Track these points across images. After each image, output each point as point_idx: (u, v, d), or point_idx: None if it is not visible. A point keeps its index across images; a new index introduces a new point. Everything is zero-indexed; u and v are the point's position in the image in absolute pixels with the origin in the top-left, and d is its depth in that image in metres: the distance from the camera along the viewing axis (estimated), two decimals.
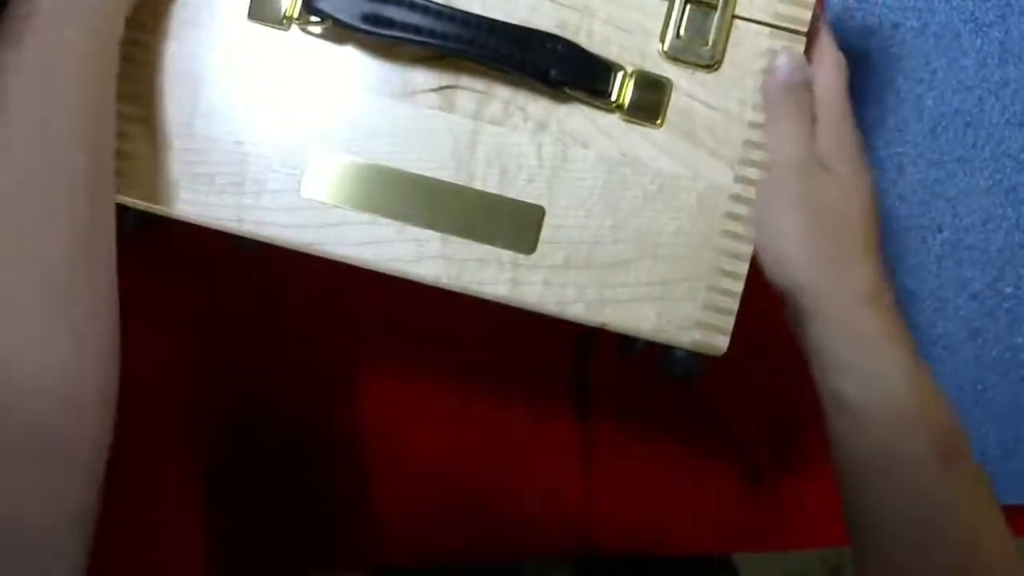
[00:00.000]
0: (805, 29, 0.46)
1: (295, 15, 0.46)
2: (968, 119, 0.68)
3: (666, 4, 0.46)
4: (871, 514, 0.44)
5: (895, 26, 0.67)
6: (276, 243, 0.47)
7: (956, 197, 0.68)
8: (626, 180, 0.47)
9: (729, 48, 0.46)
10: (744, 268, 0.46)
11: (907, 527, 0.42)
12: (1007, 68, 0.68)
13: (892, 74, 0.67)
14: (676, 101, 0.46)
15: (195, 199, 0.47)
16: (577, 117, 0.47)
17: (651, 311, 0.47)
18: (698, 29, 0.46)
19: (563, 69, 0.45)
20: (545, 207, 0.47)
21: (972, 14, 0.67)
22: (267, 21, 0.47)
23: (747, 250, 0.46)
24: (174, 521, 0.65)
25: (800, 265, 0.43)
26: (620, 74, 0.46)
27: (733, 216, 0.46)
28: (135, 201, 0.47)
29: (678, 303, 0.47)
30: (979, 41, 0.67)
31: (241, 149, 0.47)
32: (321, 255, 0.47)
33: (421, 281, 0.47)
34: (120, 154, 0.46)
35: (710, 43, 0.46)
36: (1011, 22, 0.67)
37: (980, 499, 0.43)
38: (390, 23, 0.44)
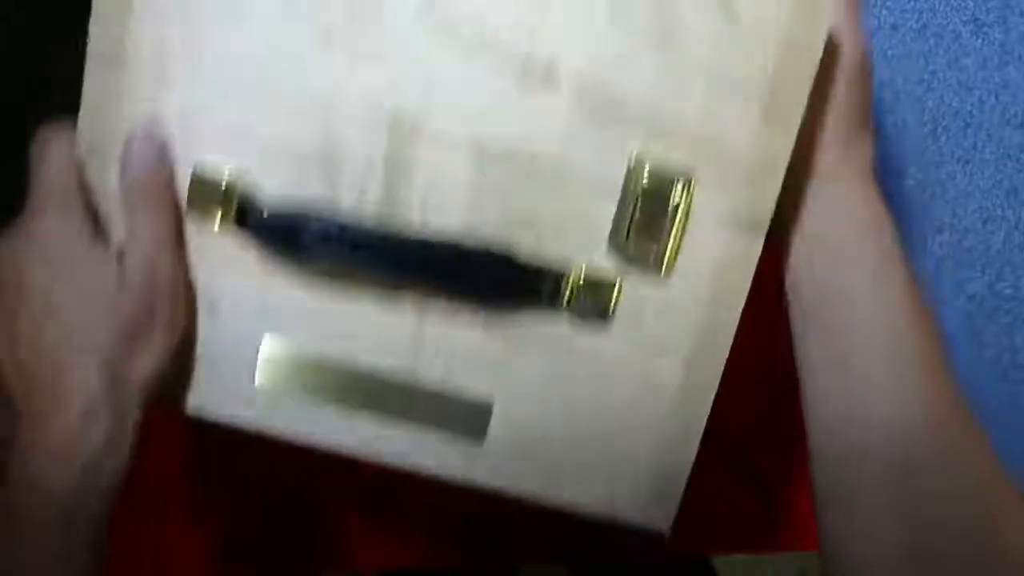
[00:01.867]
0: (764, 230, 0.43)
1: (227, 222, 0.45)
2: (968, 120, 0.68)
3: (616, 206, 0.43)
4: (838, 353, 0.44)
5: (895, 27, 0.67)
6: (232, 426, 0.47)
7: (956, 198, 0.68)
8: (576, 373, 0.46)
9: (683, 249, 0.44)
10: (692, 453, 0.46)
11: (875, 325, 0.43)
12: (1007, 69, 0.68)
13: (892, 75, 0.67)
14: (626, 300, 0.44)
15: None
16: (525, 314, 0.45)
17: (601, 491, 0.47)
18: (650, 231, 0.43)
19: (500, 287, 0.43)
20: (494, 398, 0.46)
21: (972, 15, 0.67)
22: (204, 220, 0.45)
23: (696, 432, 0.46)
24: (176, 521, 0.65)
25: (829, 127, 0.45)
26: (567, 277, 0.44)
27: (682, 403, 0.45)
28: None
29: (627, 484, 0.47)
30: (979, 42, 0.67)
31: (195, 337, 0.46)
32: (274, 438, 0.47)
33: (372, 462, 0.47)
34: None
35: (662, 245, 0.43)
36: (1011, 23, 0.67)
37: (937, 343, 0.44)
38: (314, 250, 0.43)
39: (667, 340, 0.45)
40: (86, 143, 0.44)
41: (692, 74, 0.41)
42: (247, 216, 0.43)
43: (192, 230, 0.45)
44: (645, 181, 0.42)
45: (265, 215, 0.43)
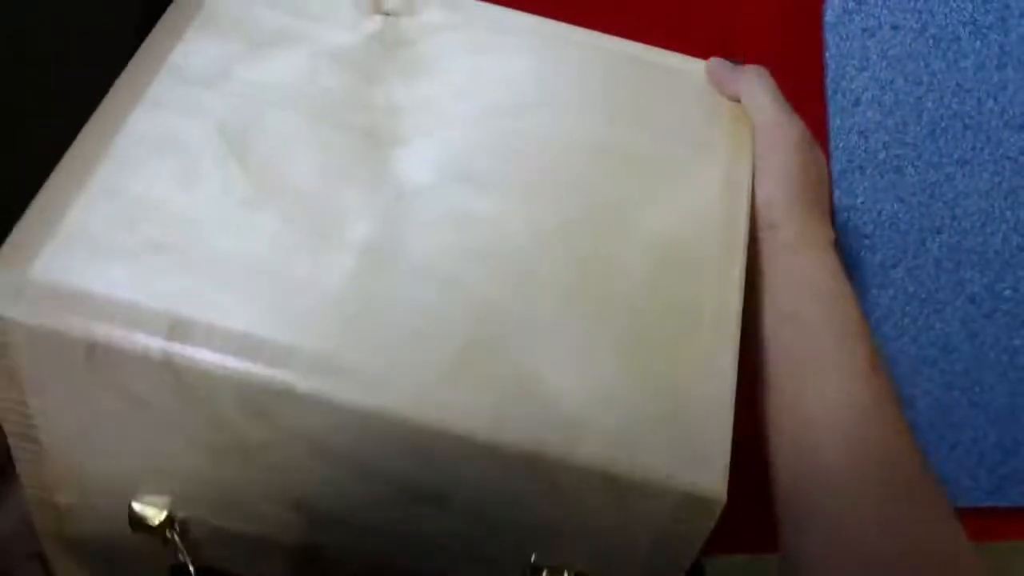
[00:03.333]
0: None
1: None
2: (967, 122, 0.68)
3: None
4: (802, 421, 0.45)
5: (895, 28, 0.67)
6: None
7: (955, 199, 0.68)
8: None
9: None
10: None
11: (837, 434, 0.44)
12: (1006, 71, 0.68)
13: (891, 76, 0.68)
14: None
15: None
16: None
17: None
18: None
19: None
20: None
21: (971, 16, 0.67)
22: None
23: None
24: None
25: (785, 206, 0.49)
26: None
27: None
28: None
29: None
30: (978, 44, 0.68)
31: None
32: None
33: None
34: None
35: None
36: (1010, 25, 0.68)
37: (897, 410, 0.45)
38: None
39: None
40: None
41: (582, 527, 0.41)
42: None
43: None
44: None
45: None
